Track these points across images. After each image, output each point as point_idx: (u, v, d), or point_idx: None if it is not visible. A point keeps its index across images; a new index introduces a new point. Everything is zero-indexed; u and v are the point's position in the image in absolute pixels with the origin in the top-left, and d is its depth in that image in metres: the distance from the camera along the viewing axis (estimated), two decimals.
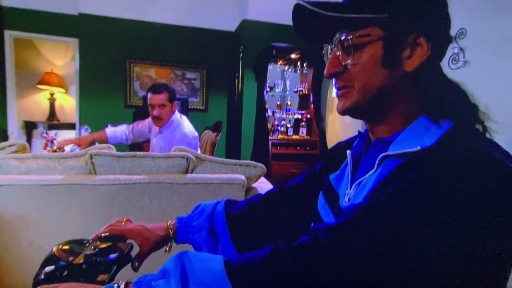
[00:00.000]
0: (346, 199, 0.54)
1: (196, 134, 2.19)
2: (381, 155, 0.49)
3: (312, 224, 0.65)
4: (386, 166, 0.48)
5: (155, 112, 2.05)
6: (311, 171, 0.76)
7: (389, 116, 0.52)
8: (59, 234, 1.27)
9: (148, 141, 3.29)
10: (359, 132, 0.61)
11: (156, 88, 2.06)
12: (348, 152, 0.60)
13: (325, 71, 0.54)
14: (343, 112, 0.54)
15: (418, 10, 0.47)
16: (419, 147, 0.44)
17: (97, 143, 2.59)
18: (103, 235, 0.57)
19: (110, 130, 2.35)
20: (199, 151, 2.12)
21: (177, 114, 2.18)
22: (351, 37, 0.49)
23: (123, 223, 0.68)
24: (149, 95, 2.06)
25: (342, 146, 0.69)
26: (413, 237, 0.37)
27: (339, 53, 0.52)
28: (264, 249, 0.43)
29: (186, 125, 2.18)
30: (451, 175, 0.38)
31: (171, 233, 0.69)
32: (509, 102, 1.71)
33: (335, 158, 0.67)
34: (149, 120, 2.34)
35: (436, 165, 0.40)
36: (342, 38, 0.50)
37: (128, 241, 0.62)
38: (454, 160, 0.39)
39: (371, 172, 0.50)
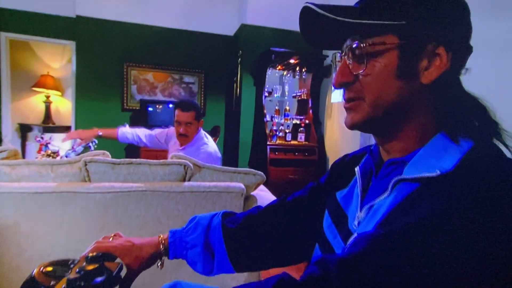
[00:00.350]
0: (356, 222, 0.51)
1: (220, 154, 2.16)
2: (395, 178, 0.45)
3: (316, 244, 0.61)
4: (401, 191, 0.44)
5: (181, 130, 2.03)
6: (315, 185, 0.71)
7: (403, 133, 0.48)
8: (51, 244, 1.23)
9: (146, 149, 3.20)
10: (368, 148, 0.57)
11: (184, 106, 2.04)
12: (356, 169, 0.56)
13: (333, 80, 0.51)
14: (352, 126, 0.50)
15: (437, 17, 0.44)
16: (438, 172, 0.40)
17: (91, 146, 2.55)
18: (90, 255, 0.53)
19: (122, 131, 2.28)
20: None
21: (202, 132, 2.16)
22: (363, 45, 0.45)
23: (111, 239, 0.64)
24: (177, 111, 2.04)
25: (349, 160, 0.65)
26: (430, 272, 0.34)
27: (349, 61, 0.48)
28: (267, 280, 0.39)
29: (211, 144, 2.16)
30: (474, 205, 0.35)
31: (162, 249, 0.65)
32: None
33: (341, 174, 0.63)
34: (167, 131, 2.30)
35: (457, 194, 0.37)
36: (354, 45, 0.46)
37: (118, 260, 0.58)
38: (476, 188, 0.36)
39: (384, 195, 0.46)
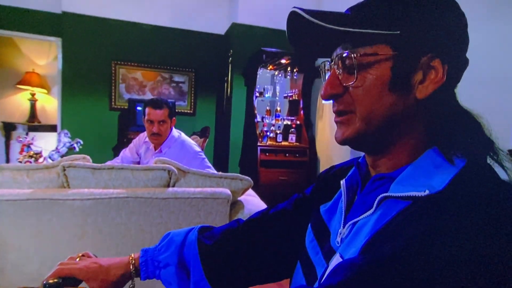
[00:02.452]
0: (339, 239, 0.48)
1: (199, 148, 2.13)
2: (381, 195, 0.42)
3: (298, 262, 0.57)
4: (387, 209, 0.41)
5: (154, 129, 1.93)
6: (300, 196, 0.68)
7: (394, 149, 0.45)
8: (25, 254, 1.17)
9: None
10: (355, 161, 0.54)
11: (156, 103, 1.93)
12: (342, 182, 0.52)
13: (321, 91, 0.47)
14: (343, 142, 0.46)
15: (434, 28, 0.40)
16: (427, 192, 0.37)
17: (75, 146, 2.47)
18: (50, 281, 0.48)
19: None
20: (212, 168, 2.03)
21: (175, 131, 2.08)
22: (354, 55, 0.42)
23: (78, 259, 0.59)
24: (148, 110, 1.93)
25: (335, 173, 0.62)
26: None
27: (339, 71, 0.45)
28: None
29: (191, 141, 2.10)
30: (464, 231, 0.32)
31: (132, 269, 0.60)
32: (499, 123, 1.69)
33: (327, 186, 0.60)
34: (134, 143, 2.22)
35: (446, 218, 0.34)
36: (344, 55, 0.43)
37: (82, 284, 0.54)
38: (467, 212, 0.33)
39: (369, 212, 0.43)
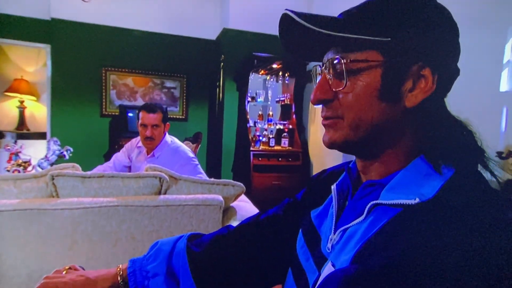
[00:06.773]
0: (329, 245, 0.47)
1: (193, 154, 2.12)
2: (371, 202, 0.42)
3: (290, 268, 0.57)
4: (377, 216, 0.41)
5: (147, 133, 1.94)
6: (291, 201, 0.68)
7: (384, 155, 0.45)
8: (12, 266, 1.14)
9: None
10: (346, 166, 0.54)
11: (150, 107, 1.96)
12: (333, 187, 0.52)
13: (311, 96, 0.47)
14: (330, 145, 0.46)
15: (425, 36, 0.40)
16: (417, 200, 0.37)
17: (65, 154, 2.44)
18: None
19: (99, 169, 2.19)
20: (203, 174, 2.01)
21: (168, 136, 2.09)
22: (345, 60, 0.42)
23: (64, 272, 0.58)
24: (142, 114, 1.95)
25: (326, 177, 0.62)
26: None
27: (329, 76, 0.45)
28: None
29: (184, 147, 2.10)
30: (455, 241, 0.32)
31: (120, 280, 0.59)
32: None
33: (318, 190, 0.60)
34: (126, 147, 2.21)
35: (439, 227, 0.34)
36: (335, 61, 0.43)
37: None
38: (458, 221, 0.34)
39: (360, 219, 0.43)
